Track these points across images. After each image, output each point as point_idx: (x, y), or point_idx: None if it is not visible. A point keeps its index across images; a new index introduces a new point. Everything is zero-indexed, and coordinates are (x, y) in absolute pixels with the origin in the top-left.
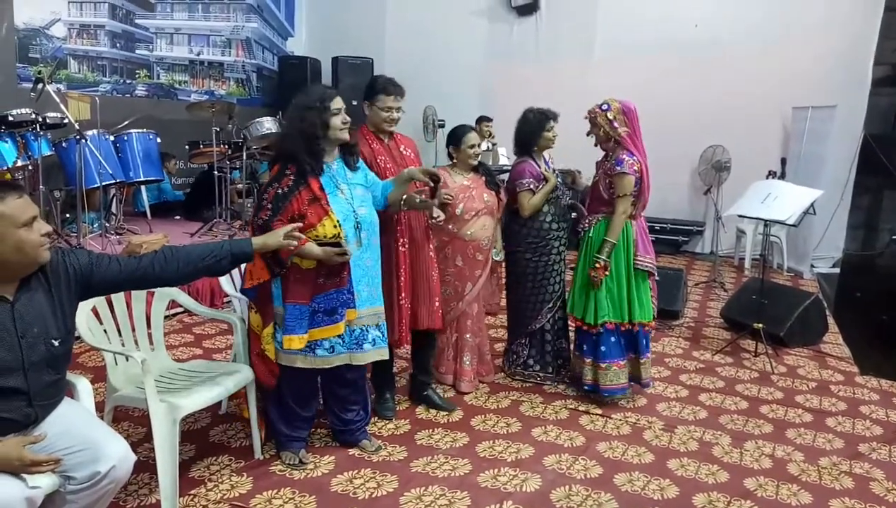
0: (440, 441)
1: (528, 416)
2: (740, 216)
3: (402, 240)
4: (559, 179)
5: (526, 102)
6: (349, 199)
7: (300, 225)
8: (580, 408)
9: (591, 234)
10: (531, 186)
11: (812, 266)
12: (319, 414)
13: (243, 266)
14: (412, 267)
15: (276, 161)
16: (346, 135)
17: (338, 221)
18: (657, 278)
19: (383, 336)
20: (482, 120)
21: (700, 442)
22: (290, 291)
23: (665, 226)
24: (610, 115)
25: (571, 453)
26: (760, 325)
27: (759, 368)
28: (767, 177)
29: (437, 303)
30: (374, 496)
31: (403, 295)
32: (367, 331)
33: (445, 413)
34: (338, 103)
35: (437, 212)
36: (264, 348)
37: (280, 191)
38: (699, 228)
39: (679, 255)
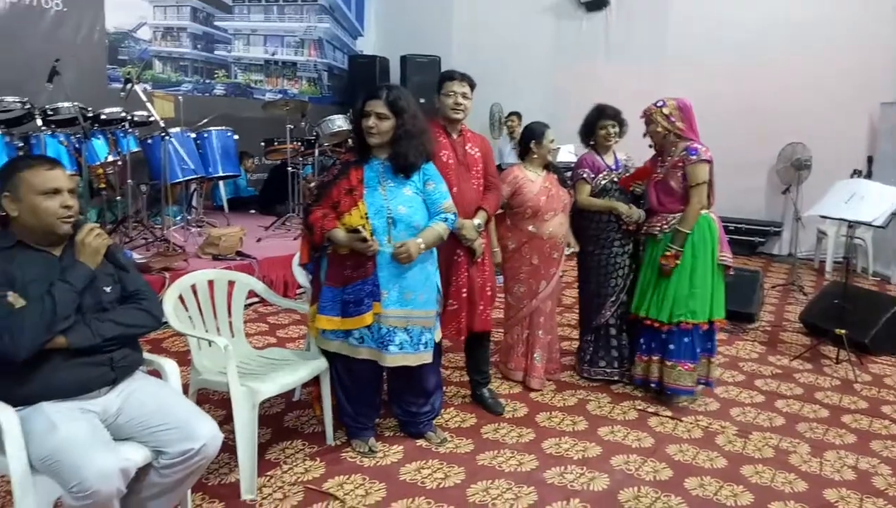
0: (506, 436)
1: (596, 415)
2: (822, 217)
3: (458, 250)
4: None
5: (595, 100)
6: (387, 197)
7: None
8: (649, 409)
9: (668, 233)
10: (584, 175)
11: None
12: (385, 404)
13: None
14: (468, 274)
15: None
16: (371, 139)
17: (366, 214)
18: (732, 273)
19: (413, 342)
20: (513, 115)
21: (776, 450)
22: (329, 274)
23: (740, 226)
24: (666, 111)
25: (640, 454)
26: (843, 331)
27: (841, 376)
28: (852, 176)
29: (480, 307)
30: (441, 486)
31: (452, 300)
32: (395, 333)
33: (511, 409)
34: (368, 106)
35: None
36: (309, 326)
37: (325, 179)
38: (777, 229)
39: (755, 257)
